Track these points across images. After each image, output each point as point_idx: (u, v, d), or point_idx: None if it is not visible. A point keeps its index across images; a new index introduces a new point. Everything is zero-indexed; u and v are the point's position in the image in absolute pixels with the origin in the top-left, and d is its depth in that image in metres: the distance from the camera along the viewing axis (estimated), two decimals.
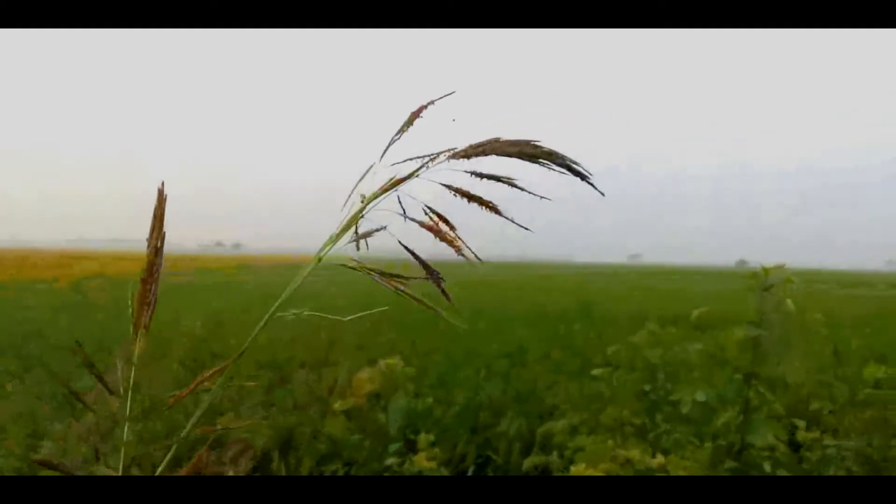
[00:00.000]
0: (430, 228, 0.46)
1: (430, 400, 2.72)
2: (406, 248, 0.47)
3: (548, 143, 0.52)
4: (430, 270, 0.49)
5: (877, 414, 2.27)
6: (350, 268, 0.47)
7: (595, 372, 2.70)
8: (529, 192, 0.51)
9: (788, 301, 2.16)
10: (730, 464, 2.09)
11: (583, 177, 0.52)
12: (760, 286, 2.19)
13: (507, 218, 0.49)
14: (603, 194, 0.56)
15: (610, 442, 2.76)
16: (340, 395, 5.73)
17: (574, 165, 0.52)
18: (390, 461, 3.14)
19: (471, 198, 0.47)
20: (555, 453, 3.41)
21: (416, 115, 0.48)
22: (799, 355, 2.07)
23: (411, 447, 5.34)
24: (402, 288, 0.48)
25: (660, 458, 2.21)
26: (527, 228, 0.51)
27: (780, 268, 2.23)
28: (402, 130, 0.47)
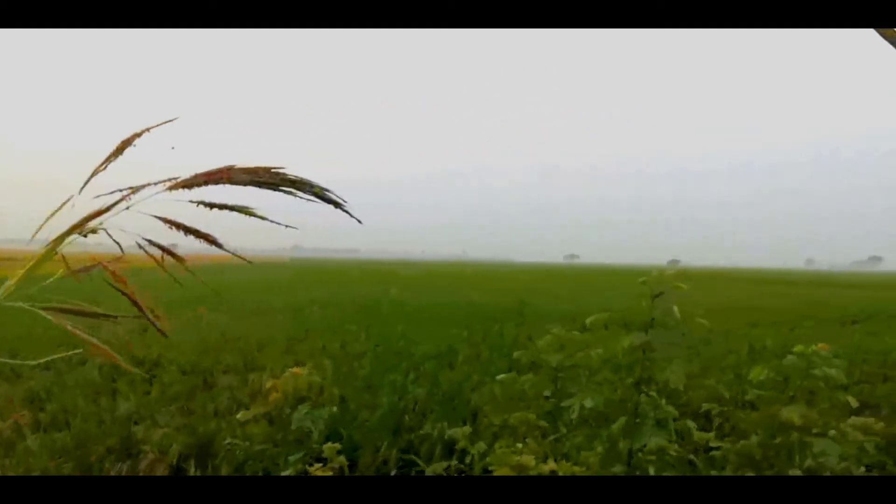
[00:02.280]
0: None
1: (334, 408, 2.65)
2: (115, 287, 0.44)
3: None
4: (139, 308, 0.46)
5: (763, 414, 2.35)
6: (27, 307, 0.44)
7: (500, 377, 2.71)
8: (271, 221, 0.49)
9: (674, 307, 2.23)
10: (619, 468, 2.14)
11: (337, 205, 0.50)
12: (651, 292, 2.25)
13: (227, 251, 0.47)
14: (360, 222, 0.54)
15: (519, 445, 2.78)
16: (264, 402, 5.62)
17: (326, 193, 0.50)
18: (288, 472, 3.07)
19: (187, 230, 0.45)
20: (474, 459, 3.41)
21: (126, 143, 0.45)
22: (683, 360, 2.13)
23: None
24: (80, 333, 0.45)
25: (551, 464, 2.24)
26: (248, 261, 0.48)
27: (674, 273, 2.29)
28: (107, 160, 0.44)
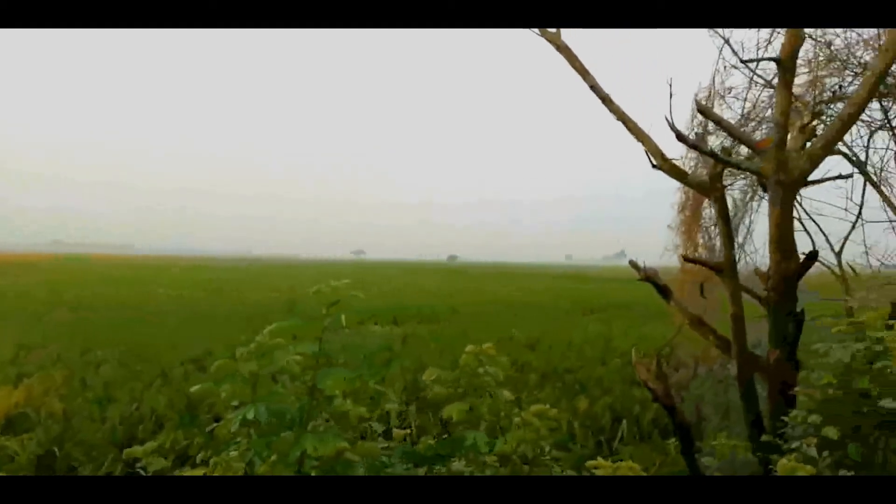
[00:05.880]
0: None
1: None
2: None
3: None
4: None
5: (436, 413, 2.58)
6: None
7: (193, 389, 2.64)
8: None
9: (342, 316, 2.36)
10: (287, 472, 2.23)
11: None
12: (329, 302, 2.35)
13: None
14: None
15: (233, 454, 2.74)
16: None
17: None
18: None
19: None
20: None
21: None
22: (350, 367, 2.27)
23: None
24: None
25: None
26: None
27: (347, 284, 2.41)
28: None
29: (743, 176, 6.33)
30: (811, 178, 3.70)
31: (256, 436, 2.56)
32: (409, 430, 2.98)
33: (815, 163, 3.44)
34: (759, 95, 5.90)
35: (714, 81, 5.82)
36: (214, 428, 2.86)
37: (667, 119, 3.49)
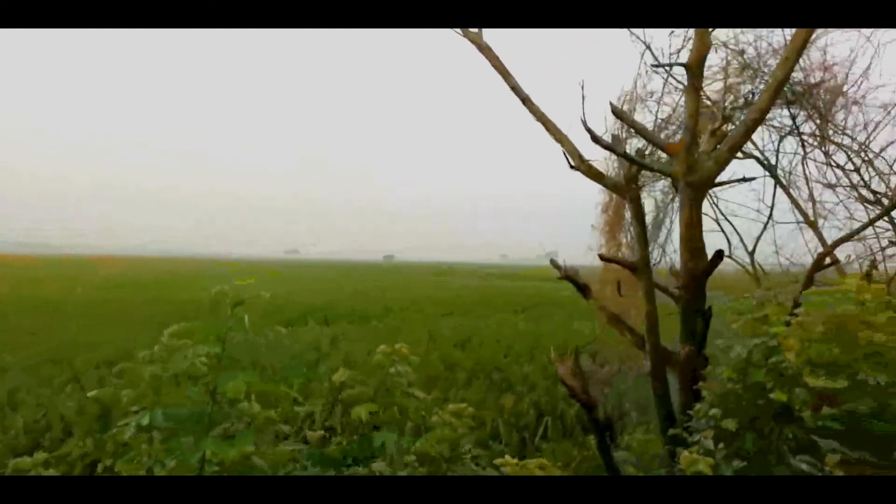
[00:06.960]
0: None
1: None
2: None
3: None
4: None
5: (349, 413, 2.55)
6: None
7: (91, 394, 2.53)
8: None
9: (245, 317, 2.31)
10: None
11: None
12: (230, 302, 2.29)
13: None
14: None
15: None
16: None
17: None
18: None
19: None
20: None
21: None
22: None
23: None
24: None
25: None
26: None
27: (251, 283, 2.36)
28: None
29: (664, 177, 6.51)
30: (720, 179, 3.85)
31: (159, 441, 2.47)
32: (324, 433, 2.93)
33: (721, 165, 3.56)
34: (679, 100, 6.11)
35: (636, 85, 5.99)
36: (115, 434, 2.75)
37: (582, 120, 3.57)
